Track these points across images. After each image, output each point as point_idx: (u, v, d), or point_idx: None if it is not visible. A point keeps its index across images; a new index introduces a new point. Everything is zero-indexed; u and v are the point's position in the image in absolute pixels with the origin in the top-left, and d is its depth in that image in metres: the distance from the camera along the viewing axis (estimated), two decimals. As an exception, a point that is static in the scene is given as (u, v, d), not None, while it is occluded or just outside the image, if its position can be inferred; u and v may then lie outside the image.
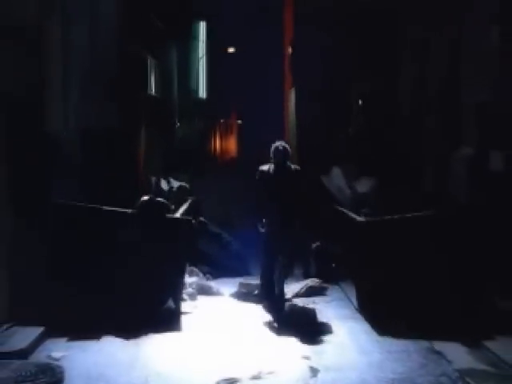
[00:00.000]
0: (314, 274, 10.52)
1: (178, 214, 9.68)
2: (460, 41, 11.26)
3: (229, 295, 9.74)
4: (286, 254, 9.03)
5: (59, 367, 6.53)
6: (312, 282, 9.99)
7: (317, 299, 9.57)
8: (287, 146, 8.99)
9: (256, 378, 6.46)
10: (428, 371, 6.79)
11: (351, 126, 16.25)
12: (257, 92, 23.94)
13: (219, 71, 24.14)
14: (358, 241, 9.07)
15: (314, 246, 11.02)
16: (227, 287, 10.14)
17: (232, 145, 28.46)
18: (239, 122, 28.70)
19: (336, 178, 11.95)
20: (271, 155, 8.89)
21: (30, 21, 8.68)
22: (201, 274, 10.26)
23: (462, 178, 10.85)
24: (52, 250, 8.36)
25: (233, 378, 6.39)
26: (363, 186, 11.30)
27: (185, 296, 9.14)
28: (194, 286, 9.56)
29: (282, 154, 8.81)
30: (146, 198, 8.72)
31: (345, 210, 10.28)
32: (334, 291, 10.04)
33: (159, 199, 8.80)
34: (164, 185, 11.10)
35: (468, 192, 10.45)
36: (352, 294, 9.42)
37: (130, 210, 8.57)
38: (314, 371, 6.69)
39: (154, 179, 11.15)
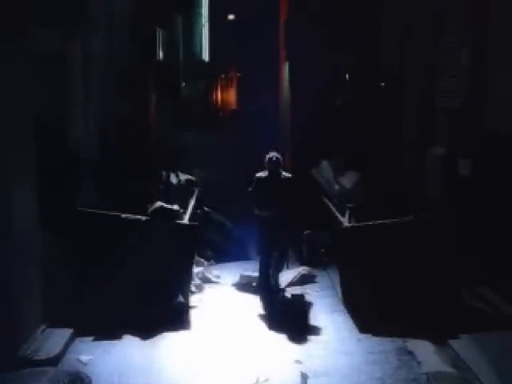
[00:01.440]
0: (305, 260, 10.99)
1: (189, 206, 10.18)
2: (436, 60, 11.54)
3: (231, 285, 10.12)
4: (280, 251, 9.58)
5: (87, 377, 6.91)
6: (304, 270, 10.37)
7: (308, 289, 9.96)
8: (279, 156, 9.43)
9: None
10: (401, 375, 7.13)
11: (338, 97, 16.44)
12: (254, 52, 24.07)
13: (220, 36, 24.43)
14: (339, 244, 9.51)
15: (305, 233, 11.42)
16: (229, 274, 10.56)
17: (232, 97, 28.56)
18: (238, 74, 28.68)
19: (325, 171, 12.01)
20: (266, 165, 9.33)
21: (56, 47, 8.94)
22: (205, 263, 10.69)
23: (435, 176, 11.07)
24: (76, 255, 8.72)
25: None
26: (348, 181, 11.36)
27: (193, 288, 9.54)
28: (200, 276, 10.02)
29: (274, 164, 9.31)
30: (157, 205, 9.08)
31: (331, 206, 10.61)
32: (322, 278, 10.41)
33: (168, 206, 9.16)
34: (173, 178, 11.31)
35: (440, 192, 10.71)
36: (338, 282, 9.70)
37: (144, 217, 8.97)
38: (305, 377, 7.06)
39: (164, 174, 11.36)
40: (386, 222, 9.06)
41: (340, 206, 10.52)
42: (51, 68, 8.75)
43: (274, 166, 9.29)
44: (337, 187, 11.38)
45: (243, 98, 26.75)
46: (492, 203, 9.23)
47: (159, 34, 16.05)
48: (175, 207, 9.43)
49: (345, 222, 9.59)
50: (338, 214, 9.95)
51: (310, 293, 9.82)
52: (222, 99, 27.79)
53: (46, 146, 8.29)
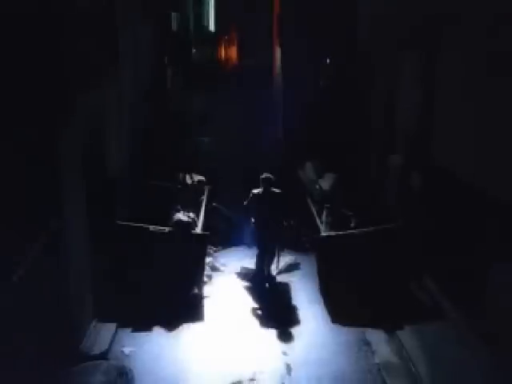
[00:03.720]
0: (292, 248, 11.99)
1: (202, 207, 11.26)
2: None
3: (234, 273, 11.18)
4: (271, 250, 10.81)
5: (130, 370, 7.96)
6: (290, 260, 11.42)
7: (293, 276, 11.08)
8: (271, 176, 10.49)
9: (252, 379, 7.96)
10: (359, 365, 8.26)
11: (322, 78, 16.98)
12: (254, 21, 24.83)
13: (224, 9, 25.39)
14: (317, 248, 10.59)
15: (291, 224, 12.25)
16: (233, 261, 11.59)
17: (233, 53, 29.47)
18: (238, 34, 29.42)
19: (308, 172, 12.64)
20: (260, 184, 10.45)
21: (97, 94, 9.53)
22: (214, 249, 11.84)
23: (393, 183, 11.79)
24: (115, 260, 9.74)
25: (238, 382, 7.93)
26: (327, 182, 11.89)
27: (205, 278, 10.71)
28: (210, 265, 11.18)
29: (267, 182, 10.41)
30: (177, 219, 10.17)
31: (311, 206, 11.56)
32: (305, 265, 11.38)
33: (185, 220, 10.25)
34: (188, 179, 12.28)
35: (396, 198, 11.54)
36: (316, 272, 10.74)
37: (167, 228, 10.02)
38: (289, 368, 8.24)
39: (181, 175, 12.33)
40: (353, 231, 10.22)
41: (320, 206, 11.63)
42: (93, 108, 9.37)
43: (267, 184, 10.42)
44: (317, 187, 12.05)
45: (243, 54, 27.54)
46: (436, 211, 9.98)
47: (173, 16, 17.36)
48: (191, 215, 10.61)
49: (321, 227, 10.60)
50: (317, 218, 11.03)
51: (294, 280, 10.95)
52: (225, 56, 28.73)
53: (90, 173, 9.02)
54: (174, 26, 18.20)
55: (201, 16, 24.58)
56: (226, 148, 16.30)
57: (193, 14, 23.26)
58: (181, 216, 10.26)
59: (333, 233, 10.28)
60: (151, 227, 9.96)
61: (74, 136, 8.33)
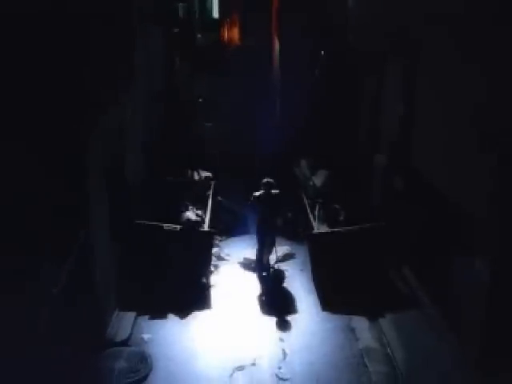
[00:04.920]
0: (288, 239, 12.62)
1: (209, 204, 11.86)
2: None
3: (237, 262, 11.85)
4: (270, 243, 11.50)
5: (150, 357, 8.68)
6: (287, 250, 12.07)
7: (289, 265, 11.75)
8: (272, 180, 11.13)
9: (253, 364, 8.69)
10: (344, 351, 8.90)
11: (317, 69, 17.29)
12: (254, 6, 25.21)
13: None
14: (310, 243, 11.16)
15: (288, 215, 12.99)
16: (236, 250, 12.22)
17: (236, 34, 30.02)
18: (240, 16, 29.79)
19: (303, 169, 13.14)
20: (261, 187, 11.09)
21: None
22: (217, 241, 12.37)
23: (377, 183, 12.19)
24: (134, 255, 10.36)
25: (241, 366, 8.64)
26: (319, 179, 12.35)
27: (212, 268, 11.40)
28: (216, 255, 11.84)
29: (267, 186, 11.03)
30: (186, 219, 10.82)
31: (305, 201, 12.16)
32: (300, 254, 12.02)
33: (194, 219, 10.90)
34: (196, 175, 12.91)
35: (380, 197, 11.96)
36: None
37: (178, 227, 10.69)
38: (285, 354, 8.96)
39: (189, 172, 12.91)
40: (340, 230, 10.82)
41: (313, 201, 12.26)
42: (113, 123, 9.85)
43: (267, 187, 11.07)
44: (311, 184, 12.61)
45: (245, 35, 27.95)
46: (414, 211, 10.37)
47: (180, 7, 17.94)
48: (199, 213, 11.27)
49: (313, 222, 11.26)
50: (309, 213, 11.65)
51: (290, 269, 11.65)
52: (228, 37, 29.32)
53: (112, 182, 9.57)
54: (181, 14, 18.59)
55: (205, 3, 25.01)
56: (227, 135, 16.76)
57: (198, 2, 23.77)
58: (190, 215, 10.89)
59: (323, 231, 10.93)
60: (165, 226, 10.60)
61: (99, 151, 8.88)
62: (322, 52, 16.96)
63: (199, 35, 23.96)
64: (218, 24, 26.44)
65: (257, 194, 11.10)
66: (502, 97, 7.37)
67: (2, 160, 6.39)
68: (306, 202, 12.15)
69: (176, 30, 17.39)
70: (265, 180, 11.04)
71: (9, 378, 6.13)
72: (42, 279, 7.08)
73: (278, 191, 11.18)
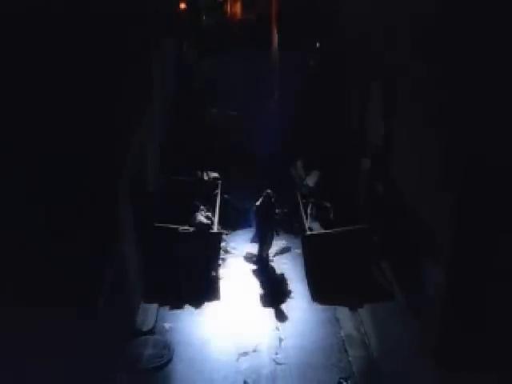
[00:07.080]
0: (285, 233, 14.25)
1: (217, 203, 13.45)
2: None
3: (241, 256, 13.50)
4: (269, 239, 13.27)
5: (171, 344, 10.31)
6: (283, 244, 13.73)
7: (285, 258, 13.47)
8: (271, 192, 12.83)
9: (255, 350, 10.43)
10: (330, 339, 10.56)
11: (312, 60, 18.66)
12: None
13: None
14: (303, 243, 12.82)
15: (284, 211, 14.46)
16: (240, 244, 13.88)
17: (238, 9, 31.48)
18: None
19: (298, 169, 14.47)
20: (262, 198, 12.81)
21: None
22: (224, 235, 13.87)
23: (362, 186, 13.52)
24: (155, 253, 11.91)
25: (244, 352, 10.37)
26: (312, 180, 13.69)
27: (220, 262, 13.18)
28: (223, 249, 13.52)
29: (267, 197, 12.77)
30: (198, 221, 12.54)
31: (299, 200, 13.69)
32: (295, 248, 13.59)
33: (205, 222, 12.63)
34: (205, 176, 14.47)
35: (364, 199, 13.39)
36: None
37: (191, 229, 12.38)
38: (281, 340, 10.72)
39: (199, 173, 14.52)
40: (330, 231, 12.52)
41: (307, 199, 13.90)
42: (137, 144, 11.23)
43: (267, 199, 12.82)
44: (305, 183, 14.07)
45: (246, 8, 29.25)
46: (391, 214, 11.69)
47: None
48: (209, 215, 12.99)
49: (305, 221, 12.83)
50: (302, 212, 13.23)
51: (287, 262, 13.39)
52: (231, 12, 30.68)
53: (136, 193, 10.91)
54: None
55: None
56: (231, 123, 18.04)
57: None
58: (201, 217, 12.60)
59: (315, 232, 12.60)
60: (180, 228, 12.27)
61: (127, 172, 10.30)
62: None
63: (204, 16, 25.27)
64: (221, 6, 27.70)
65: (258, 204, 12.84)
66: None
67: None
68: (300, 201, 13.69)
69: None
70: (265, 192, 12.76)
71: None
72: (90, 292, 8.75)
73: (273, 201, 12.85)
